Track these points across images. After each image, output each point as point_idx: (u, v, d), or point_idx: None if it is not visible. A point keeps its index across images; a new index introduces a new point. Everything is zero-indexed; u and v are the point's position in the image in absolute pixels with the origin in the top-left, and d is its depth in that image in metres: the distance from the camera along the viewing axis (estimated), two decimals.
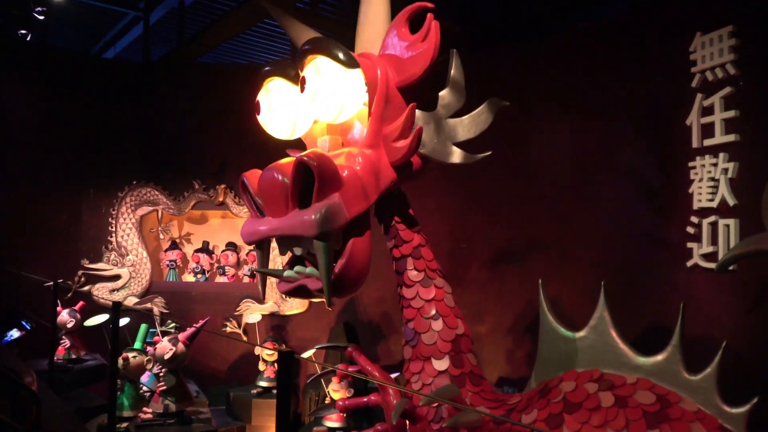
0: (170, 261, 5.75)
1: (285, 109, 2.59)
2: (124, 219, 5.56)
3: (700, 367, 2.37)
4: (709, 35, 3.47)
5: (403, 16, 2.50)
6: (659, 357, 2.48)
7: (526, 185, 4.89)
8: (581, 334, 2.71)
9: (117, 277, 5.48)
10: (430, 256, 2.79)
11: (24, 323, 5.09)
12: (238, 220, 5.93)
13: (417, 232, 2.77)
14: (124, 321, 4.03)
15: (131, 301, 5.38)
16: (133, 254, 5.52)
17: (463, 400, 2.66)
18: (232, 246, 5.88)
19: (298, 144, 2.76)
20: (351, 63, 2.38)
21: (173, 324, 4.89)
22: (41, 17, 6.24)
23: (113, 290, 5.45)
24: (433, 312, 2.74)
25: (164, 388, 3.45)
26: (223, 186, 5.56)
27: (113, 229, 5.54)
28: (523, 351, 4.86)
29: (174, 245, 5.86)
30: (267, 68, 2.62)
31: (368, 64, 2.48)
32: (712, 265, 3.42)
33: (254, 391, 5.04)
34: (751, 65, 3.30)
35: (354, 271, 2.41)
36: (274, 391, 5.06)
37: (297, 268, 2.45)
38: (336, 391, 4.62)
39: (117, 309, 2.82)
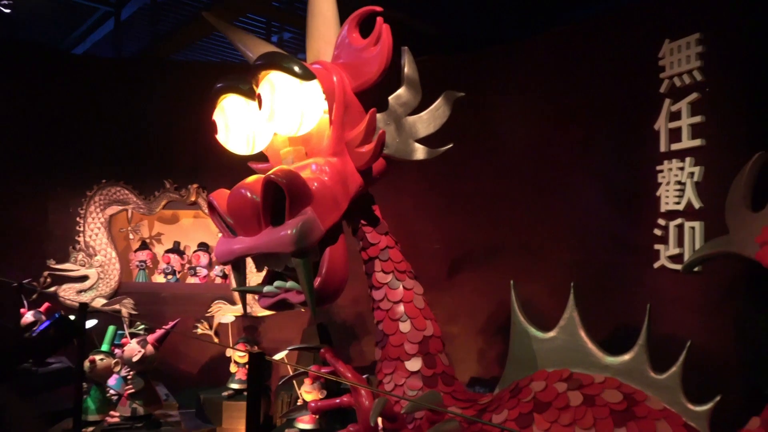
0: (140, 261, 5.65)
1: (242, 125, 2.57)
2: (93, 218, 5.44)
3: (666, 366, 2.43)
4: (678, 42, 3.56)
5: (352, 21, 2.49)
6: (626, 356, 2.53)
7: (500, 187, 4.94)
8: (551, 334, 2.75)
9: (84, 278, 5.35)
10: (399, 257, 2.80)
11: None
12: (211, 221, 5.85)
13: (384, 234, 2.79)
14: (91, 323, 3.94)
15: (99, 303, 5.26)
16: (101, 254, 5.40)
17: (446, 407, 2.68)
18: (203, 246, 5.80)
19: (261, 156, 2.76)
20: (306, 75, 2.38)
21: (142, 326, 4.79)
22: (8, 11, 6.08)
23: (80, 291, 5.32)
24: (401, 314, 2.75)
25: (132, 391, 3.37)
26: (195, 185, 5.48)
27: (81, 229, 5.42)
28: (495, 351, 4.90)
29: (144, 245, 5.75)
30: (219, 85, 2.59)
31: (324, 72, 2.48)
32: (678, 267, 3.50)
33: (225, 394, 4.98)
34: (717, 72, 3.39)
35: (335, 280, 2.43)
36: (246, 393, 5.00)
37: (277, 283, 2.45)
38: (308, 393, 4.59)
39: (84, 311, 2.75)
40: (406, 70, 2.65)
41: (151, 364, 3.43)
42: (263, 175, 2.24)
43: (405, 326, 2.76)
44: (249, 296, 5.33)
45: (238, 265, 2.50)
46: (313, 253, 2.35)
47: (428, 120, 2.68)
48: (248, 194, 2.23)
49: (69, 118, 5.49)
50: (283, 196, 2.19)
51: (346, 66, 2.53)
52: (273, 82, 2.39)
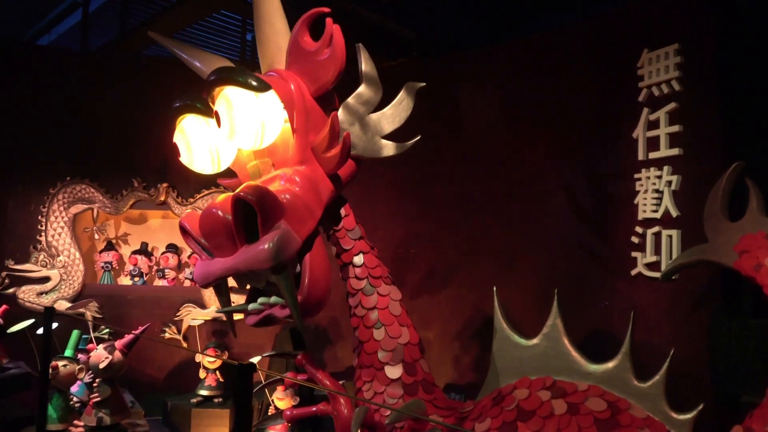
0: (105, 263, 5.43)
1: (204, 144, 2.50)
2: (56, 217, 5.20)
3: (643, 374, 2.43)
4: (656, 52, 3.60)
5: (302, 25, 2.44)
6: (610, 364, 2.53)
7: (476, 193, 4.93)
8: (534, 341, 2.74)
9: (46, 279, 5.11)
10: (374, 263, 2.76)
11: None
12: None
13: (358, 239, 2.75)
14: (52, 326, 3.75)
15: (62, 305, 5.03)
16: (64, 255, 5.18)
17: (428, 416, 2.64)
18: (172, 248, 5.62)
19: (229, 172, 2.70)
20: (261, 87, 2.32)
21: (107, 330, 4.60)
22: None
23: (41, 293, 5.09)
24: (375, 320, 2.71)
25: (98, 399, 3.21)
26: (165, 185, 5.30)
27: (43, 228, 5.18)
28: (471, 357, 4.88)
29: (110, 246, 5.54)
30: (176, 105, 2.51)
31: (280, 81, 2.44)
32: (655, 274, 3.53)
33: (194, 400, 4.82)
34: (694, 82, 3.44)
35: (318, 290, 2.39)
36: (216, 400, 4.87)
37: (261, 299, 2.41)
38: (281, 400, 4.48)
39: (50, 315, 2.58)
40: (363, 67, 2.62)
41: (119, 372, 3.26)
42: (232, 193, 2.21)
43: (379, 333, 2.72)
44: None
45: (219, 287, 2.45)
46: (292, 265, 2.32)
47: (393, 115, 2.65)
48: (219, 214, 2.20)
49: (32, 112, 5.25)
50: (255, 212, 2.16)
51: (301, 72, 2.49)
52: (229, 98, 2.33)
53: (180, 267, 5.62)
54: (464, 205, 4.98)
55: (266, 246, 2.16)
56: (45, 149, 5.27)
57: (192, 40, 6.82)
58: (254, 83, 2.31)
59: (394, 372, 2.81)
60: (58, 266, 5.15)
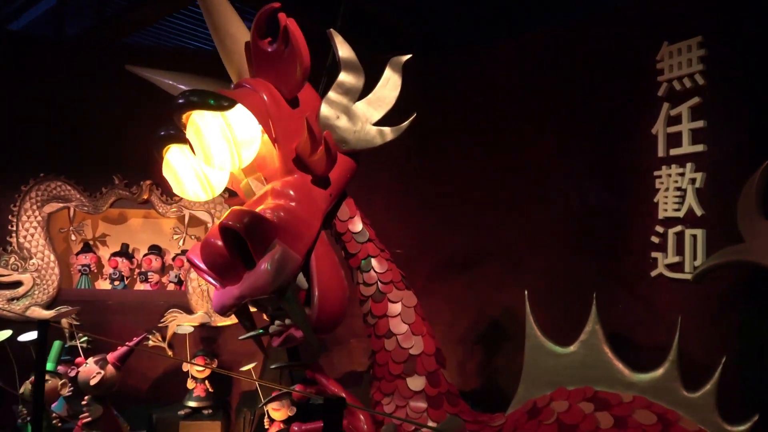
0: (83, 266, 5.05)
1: (191, 173, 2.41)
2: (28, 217, 4.81)
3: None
4: (677, 45, 3.46)
5: (255, 28, 2.27)
6: (656, 373, 2.37)
7: (480, 191, 4.75)
8: (570, 349, 2.56)
9: (17, 284, 4.72)
10: (384, 267, 2.60)
11: None
12: (163, 221, 5.36)
13: (366, 242, 2.59)
14: (31, 335, 3.41)
15: (36, 312, 4.65)
16: (37, 258, 4.79)
17: None
18: (155, 249, 5.28)
19: (232, 192, 2.60)
20: (226, 103, 2.17)
21: (86, 338, 4.26)
22: None
23: (12, 299, 4.69)
24: (387, 330, 2.55)
25: (88, 419, 2.89)
26: (148, 182, 4.96)
27: (14, 229, 4.79)
28: (474, 362, 4.69)
29: (87, 248, 5.16)
30: (159, 135, 2.39)
31: (249, 92, 2.29)
32: (678, 275, 3.40)
33: (182, 412, 4.52)
34: (719, 76, 3.31)
35: (332, 304, 2.29)
36: (205, 412, 4.57)
37: (277, 321, 2.33)
38: (276, 410, 4.23)
39: (45, 328, 2.26)
40: (339, 53, 2.43)
41: (112, 388, 2.96)
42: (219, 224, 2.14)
43: (390, 343, 2.56)
44: (208, 304, 4.91)
45: (240, 312, 2.38)
46: (296, 284, 2.22)
47: (381, 98, 2.48)
48: (216, 244, 2.12)
49: (1, 103, 4.85)
50: None
51: (269, 76, 2.32)
52: (195, 122, 2.19)
53: (164, 270, 5.28)
54: (467, 204, 4.79)
55: (263, 270, 2.07)
56: (16, 143, 4.86)
57: (175, 28, 6.47)
58: (218, 102, 2.15)
59: (416, 384, 2.63)
60: (30, 270, 4.76)
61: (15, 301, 4.71)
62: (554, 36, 4.34)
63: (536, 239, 4.35)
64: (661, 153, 3.55)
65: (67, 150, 4.96)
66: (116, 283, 5.12)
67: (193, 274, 4.93)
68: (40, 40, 5.28)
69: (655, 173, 3.57)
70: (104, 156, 4.99)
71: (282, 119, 2.30)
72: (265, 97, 2.27)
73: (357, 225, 2.61)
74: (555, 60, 4.25)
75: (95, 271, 5.17)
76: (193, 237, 5.29)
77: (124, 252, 5.21)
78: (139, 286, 5.19)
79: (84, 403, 2.99)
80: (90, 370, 2.87)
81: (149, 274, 5.16)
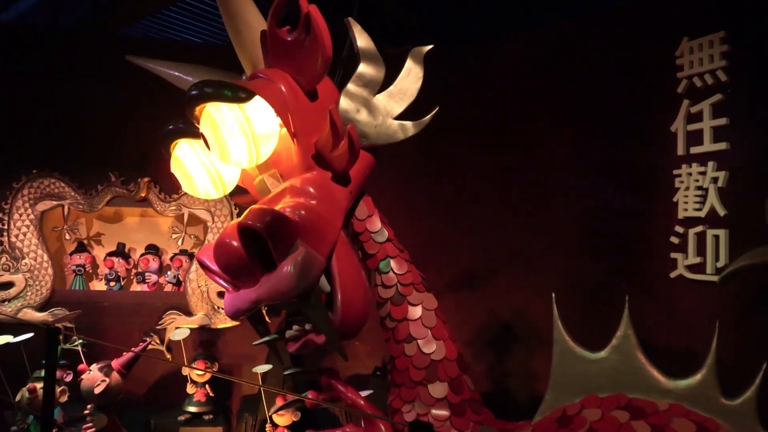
0: (77, 266, 4.87)
1: (202, 169, 2.31)
2: (20, 215, 4.63)
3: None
4: (698, 40, 3.38)
5: (273, 15, 2.15)
6: (693, 380, 2.27)
7: (491, 190, 4.64)
8: (602, 354, 2.46)
9: (9, 285, 4.53)
10: (404, 268, 2.49)
11: None
12: (160, 220, 5.19)
13: (384, 242, 2.48)
14: (26, 336, 3.25)
15: (28, 314, 4.47)
16: (30, 257, 4.61)
17: None
18: (153, 249, 5.10)
19: (241, 189, 2.50)
20: (243, 94, 2.06)
21: (80, 341, 4.09)
22: None
23: (4, 300, 4.50)
24: (406, 334, 2.44)
25: (92, 430, 2.74)
26: (146, 179, 4.79)
27: (5, 227, 4.60)
28: (484, 366, 4.59)
29: (81, 247, 4.98)
30: (168, 130, 2.29)
31: (267, 84, 2.18)
32: (698, 277, 3.32)
33: (181, 418, 4.36)
34: (742, 72, 3.22)
35: (355, 308, 2.18)
36: (205, 417, 4.41)
37: (295, 326, 2.26)
38: (280, 416, 4.10)
39: (54, 336, 2.10)
40: (358, 43, 2.32)
41: (117, 396, 2.81)
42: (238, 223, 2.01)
43: (410, 348, 2.45)
44: (207, 306, 4.76)
45: (253, 317, 2.27)
46: (319, 286, 2.11)
47: (402, 90, 2.38)
48: (233, 244, 1.99)
49: None
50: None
51: (287, 67, 2.20)
52: (211, 115, 2.06)
53: (162, 270, 5.12)
54: (478, 204, 4.68)
55: (286, 273, 1.95)
56: (8, 138, 4.67)
57: (175, 19, 6.28)
58: (236, 93, 2.04)
59: (438, 391, 2.52)
60: (22, 270, 4.58)
61: (6, 302, 4.52)
62: (571, 30, 4.23)
63: (549, 239, 4.25)
64: (680, 151, 3.47)
65: (61, 146, 4.78)
66: (112, 283, 4.94)
67: (193, 275, 4.78)
68: (34, 30, 5.08)
69: (675, 172, 3.48)
70: (100, 152, 4.81)
71: (301, 112, 2.19)
72: (283, 89, 2.16)
73: (375, 224, 2.51)
74: (571, 55, 4.15)
75: (90, 271, 4.99)
76: (192, 236, 5.13)
77: (121, 252, 5.03)
78: (136, 287, 5.02)
79: (87, 412, 2.83)
80: (94, 377, 2.72)
81: (146, 274, 4.99)
